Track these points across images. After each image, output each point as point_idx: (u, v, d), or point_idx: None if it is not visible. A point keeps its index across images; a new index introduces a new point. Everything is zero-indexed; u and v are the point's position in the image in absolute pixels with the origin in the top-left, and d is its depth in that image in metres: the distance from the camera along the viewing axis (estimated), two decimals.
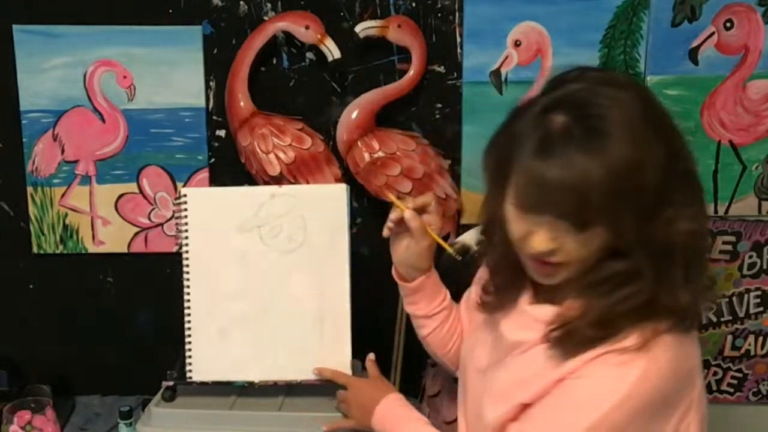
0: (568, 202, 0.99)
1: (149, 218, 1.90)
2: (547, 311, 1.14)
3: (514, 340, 1.17)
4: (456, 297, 1.60)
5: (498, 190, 1.10)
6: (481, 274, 1.39)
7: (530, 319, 1.16)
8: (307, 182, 1.76)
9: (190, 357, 1.60)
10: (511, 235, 1.08)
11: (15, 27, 1.79)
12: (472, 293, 1.43)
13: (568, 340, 1.08)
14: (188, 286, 1.60)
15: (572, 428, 1.04)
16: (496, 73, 1.81)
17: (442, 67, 1.83)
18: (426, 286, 1.41)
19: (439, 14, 1.80)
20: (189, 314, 1.60)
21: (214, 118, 1.85)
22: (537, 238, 1.04)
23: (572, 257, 1.04)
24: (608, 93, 1.01)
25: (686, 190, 1.04)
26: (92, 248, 1.91)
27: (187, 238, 1.60)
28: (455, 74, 1.83)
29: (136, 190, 1.88)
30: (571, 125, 0.99)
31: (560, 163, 0.98)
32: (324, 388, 1.59)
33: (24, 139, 1.85)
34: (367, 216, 1.89)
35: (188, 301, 1.60)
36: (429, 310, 1.43)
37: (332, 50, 1.74)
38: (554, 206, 1.00)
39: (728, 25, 1.79)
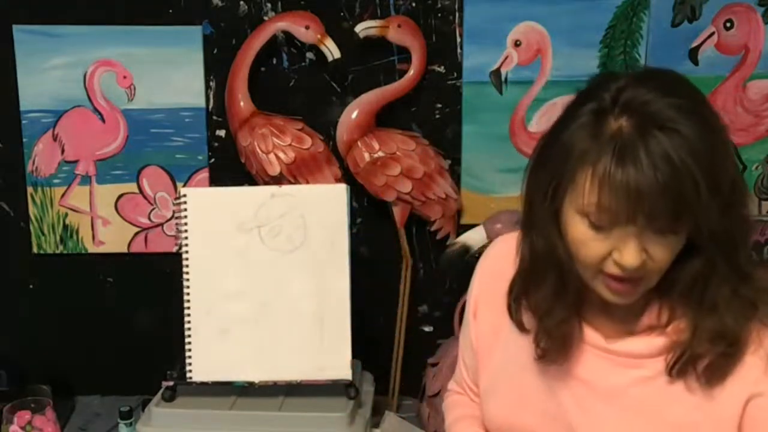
0: (662, 202, 0.91)
1: (149, 218, 1.90)
2: (643, 345, 1.04)
3: (621, 383, 1.05)
4: (457, 293, 1.60)
5: (552, 221, 1.01)
6: (469, 340, 1.24)
7: (624, 356, 1.06)
8: (307, 182, 1.76)
9: (190, 357, 1.60)
10: (582, 259, 0.99)
11: (15, 27, 1.79)
12: (467, 359, 1.27)
13: (701, 367, 1.00)
14: (188, 286, 1.60)
15: None
16: (496, 73, 1.81)
17: (442, 67, 1.83)
18: None
19: (439, 14, 1.80)
20: (189, 314, 1.60)
21: (214, 118, 1.85)
22: (626, 252, 0.94)
23: (658, 266, 0.97)
24: (655, 86, 0.95)
25: (741, 176, 1.02)
26: (92, 248, 1.91)
27: (187, 238, 1.60)
28: (455, 74, 1.83)
29: (136, 190, 1.88)
30: (641, 125, 0.92)
31: (648, 163, 0.90)
32: (324, 388, 1.59)
33: (24, 139, 1.85)
34: (367, 216, 1.89)
35: (188, 301, 1.60)
36: None
37: (332, 50, 1.74)
38: (648, 211, 0.91)
39: (728, 25, 1.79)
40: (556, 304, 1.06)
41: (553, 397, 1.10)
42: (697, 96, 0.98)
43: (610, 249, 0.96)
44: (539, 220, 1.03)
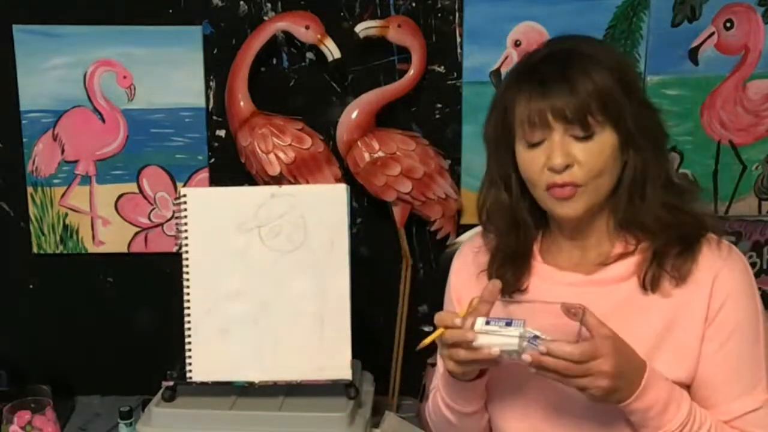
0: (569, 109, 1.08)
1: (149, 218, 1.90)
2: (621, 268, 1.16)
3: (605, 310, 1.10)
4: None
5: (505, 151, 1.18)
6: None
7: (606, 282, 1.16)
8: (307, 182, 1.76)
9: (190, 357, 1.60)
10: (529, 176, 1.14)
11: (15, 27, 1.79)
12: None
13: (667, 268, 1.13)
14: (188, 286, 1.60)
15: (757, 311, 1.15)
16: (496, 73, 1.81)
17: (442, 67, 1.83)
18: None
19: (439, 14, 1.80)
20: (189, 314, 1.60)
21: (214, 118, 1.86)
22: (553, 155, 1.09)
23: (589, 170, 1.10)
24: (573, 40, 1.17)
25: (650, 103, 1.18)
26: (92, 248, 1.91)
27: (187, 238, 1.60)
28: (455, 74, 1.83)
29: (136, 190, 1.88)
30: (550, 54, 1.13)
31: (551, 78, 1.09)
32: (324, 388, 1.59)
33: (24, 139, 1.85)
34: (367, 216, 1.89)
35: (188, 301, 1.60)
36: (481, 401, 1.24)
37: (332, 50, 1.74)
38: (558, 119, 1.09)
39: (728, 25, 1.79)
40: (508, 236, 1.22)
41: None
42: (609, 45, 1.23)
43: (544, 160, 1.11)
44: (495, 171, 1.22)
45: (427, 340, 1.11)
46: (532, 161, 1.13)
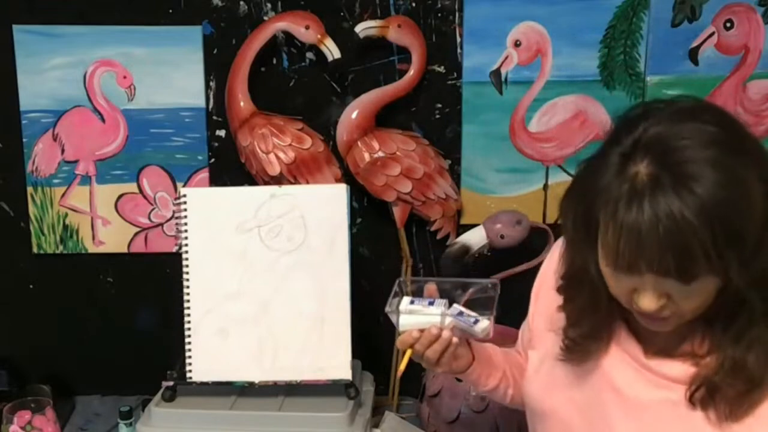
0: (668, 257, 0.90)
1: (149, 218, 1.90)
2: (679, 370, 1.05)
3: (647, 399, 1.06)
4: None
5: (587, 245, 1.02)
6: (543, 308, 1.25)
7: (658, 376, 1.06)
8: (307, 182, 1.76)
9: (190, 357, 1.60)
10: (612, 291, 1.02)
11: (15, 27, 1.79)
12: (534, 324, 1.28)
13: (720, 400, 1.00)
14: (188, 286, 1.60)
15: None
16: (496, 73, 1.81)
17: (442, 67, 1.83)
18: (479, 365, 1.27)
19: (439, 14, 1.80)
20: (189, 314, 1.60)
21: (214, 118, 1.85)
22: (643, 298, 0.96)
23: (683, 309, 0.97)
24: (687, 129, 0.94)
25: None
26: (92, 248, 1.91)
27: (187, 238, 1.61)
28: (455, 74, 1.83)
29: (136, 190, 1.88)
30: (656, 173, 0.91)
31: (652, 217, 0.90)
32: (324, 388, 1.59)
33: (24, 139, 1.85)
34: (367, 216, 1.89)
35: (188, 301, 1.60)
36: (498, 378, 1.29)
37: (332, 50, 1.74)
38: (655, 264, 0.92)
39: (728, 25, 1.79)
40: (584, 319, 1.11)
41: (581, 389, 1.14)
42: (731, 140, 0.95)
43: (632, 288, 0.97)
44: (575, 241, 1.06)
45: (402, 365, 1.19)
46: (617, 284, 0.99)
